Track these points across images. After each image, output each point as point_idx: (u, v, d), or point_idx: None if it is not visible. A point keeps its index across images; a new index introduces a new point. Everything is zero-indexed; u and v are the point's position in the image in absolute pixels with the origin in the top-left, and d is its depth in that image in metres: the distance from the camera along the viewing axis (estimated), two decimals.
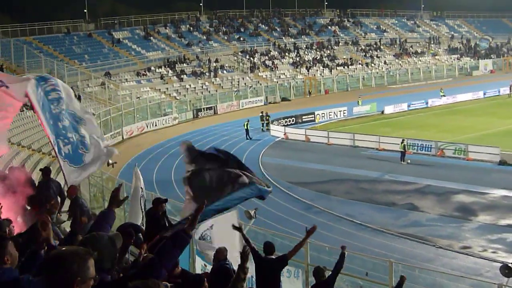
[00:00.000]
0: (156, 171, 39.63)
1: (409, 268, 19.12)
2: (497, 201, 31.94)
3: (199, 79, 74.89)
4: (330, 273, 12.13)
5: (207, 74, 76.67)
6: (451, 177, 36.84)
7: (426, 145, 43.57)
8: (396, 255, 22.18)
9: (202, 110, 65.78)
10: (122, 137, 51.75)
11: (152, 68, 73.58)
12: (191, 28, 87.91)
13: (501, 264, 18.94)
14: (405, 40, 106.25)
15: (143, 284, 4.11)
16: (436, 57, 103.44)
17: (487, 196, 32.78)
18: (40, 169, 18.73)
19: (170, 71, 74.14)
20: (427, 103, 66.38)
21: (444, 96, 69.26)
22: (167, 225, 14.84)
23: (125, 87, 66.05)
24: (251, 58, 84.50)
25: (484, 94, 72.41)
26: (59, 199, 15.54)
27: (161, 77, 72.21)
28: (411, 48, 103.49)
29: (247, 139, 50.68)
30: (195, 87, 72.47)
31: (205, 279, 8.73)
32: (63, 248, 4.53)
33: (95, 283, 4.69)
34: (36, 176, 20.38)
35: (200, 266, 16.93)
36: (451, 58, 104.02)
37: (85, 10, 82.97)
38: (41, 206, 14.33)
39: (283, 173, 39.08)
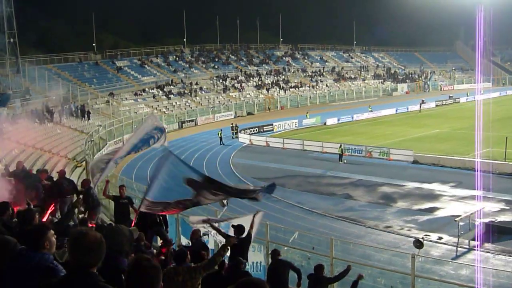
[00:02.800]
0: (150, 169, 39.37)
1: (345, 243, 19.30)
2: (411, 191, 32.32)
3: (183, 97, 74.52)
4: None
5: (189, 94, 76.40)
6: (377, 173, 37.16)
7: (358, 148, 43.80)
8: (336, 233, 22.42)
9: (186, 122, 65.50)
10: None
11: (146, 89, 73.05)
12: (177, 58, 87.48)
13: (413, 239, 19.31)
14: (342, 68, 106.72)
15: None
16: (365, 81, 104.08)
17: (404, 187, 33.15)
18: (57, 172, 18.72)
19: (160, 92, 73.64)
20: (354, 117, 66.80)
21: (371, 111, 69.79)
22: (158, 220, 14.80)
23: (125, 104, 65.63)
24: (224, 82, 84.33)
25: (399, 109, 73.12)
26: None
27: (153, 96, 71.76)
28: (346, 74, 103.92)
29: (220, 144, 50.52)
30: (180, 104, 72.13)
31: (188, 252, 8.82)
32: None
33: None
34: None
35: (185, 243, 16.94)
36: (376, 82, 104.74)
37: (93, 44, 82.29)
38: (55, 198, 14.28)
39: (249, 170, 39.11)
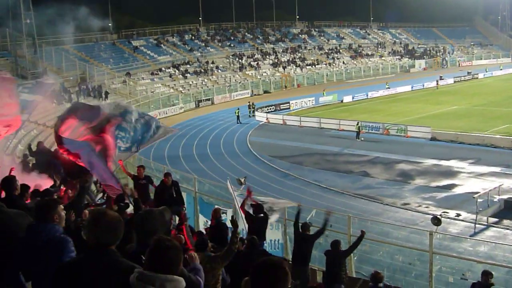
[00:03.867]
0: (167, 149, 39.63)
1: (363, 220, 19.34)
2: (429, 168, 32.16)
3: (199, 77, 74.54)
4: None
5: (205, 73, 76.39)
6: (394, 150, 37.02)
7: (375, 126, 43.65)
8: (353, 211, 22.39)
9: (202, 101, 65.60)
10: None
11: (163, 69, 73.14)
12: (193, 37, 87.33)
13: (431, 216, 19.26)
14: (359, 45, 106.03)
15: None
16: (382, 58, 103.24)
17: (422, 164, 33.00)
18: None
19: (177, 71, 73.72)
20: (370, 94, 66.47)
21: (389, 88, 69.35)
22: (174, 195, 14.93)
23: (142, 84, 65.82)
24: (240, 60, 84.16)
25: (417, 86, 72.54)
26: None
27: (170, 76, 71.87)
28: (363, 51, 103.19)
29: (237, 123, 50.62)
30: (196, 83, 72.17)
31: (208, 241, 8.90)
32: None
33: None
34: None
35: (203, 222, 17.10)
36: (394, 58, 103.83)
37: (109, 24, 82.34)
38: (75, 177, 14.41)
39: (265, 149, 39.16)
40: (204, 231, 12.80)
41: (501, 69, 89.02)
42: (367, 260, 15.39)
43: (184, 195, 16.58)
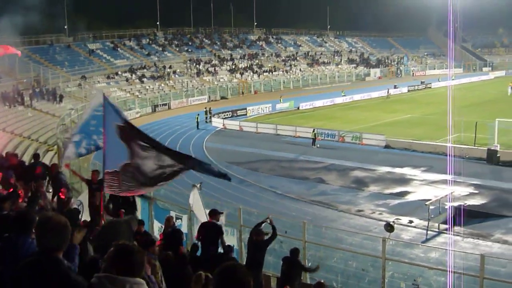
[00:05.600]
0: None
1: (317, 227, 19.46)
2: (383, 175, 32.60)
3: (156, 81, 74.00)
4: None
5: (162, 77, 75.90)
6: (349, 157, 37.38)
7: (331, 133, 44.04)
8: (308, 217, 22.54)
9: (159, 106, 65.12)
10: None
11: (119, 72, 72.35)
12: (150, 42, 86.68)
13: (384, 223, 19.53)
14: (315, 53, 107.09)
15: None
16: (339, 66, 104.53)
17: (376, 171, 33.42)
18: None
19: (133, 75, 73.03)
20: (331, 101, 67.19)
21: (344, 96, 70.20)
22: (130, 200, 14.80)
23: (98, 88, 64.89)
24: (197, 66, 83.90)
25: (372, 94, 73.60)
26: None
27: (126, 80, 71.12)
28: (320, 59, 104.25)
29: (197, 128, 50.35)
30: (153, 88, 71.61)
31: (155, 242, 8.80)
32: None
33: None
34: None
35: (158, 228, 16.92)
36: (350, 67, 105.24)
37: (65, 26, 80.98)
38: (28, 181, 14.09)
39: (222, 155, 39.06)
40: (158, 236, 12.69)
41: (453, 79, 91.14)
42: (321, 266, 15.43)
43: (138, 200, 16.41)
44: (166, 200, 19.32)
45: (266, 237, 12.15)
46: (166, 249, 9.83)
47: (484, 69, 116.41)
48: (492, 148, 35.20)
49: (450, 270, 13.83)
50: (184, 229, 15.22)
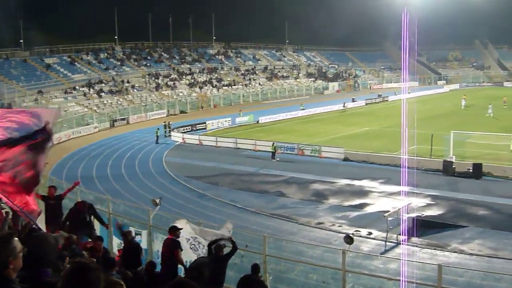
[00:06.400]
0: (81, 169, 38.60)
1: (278, 240, 19.49)
2: (342, 188, 32.84)
3: (114, 96, 73.36)
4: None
5: (121, 92, 75.29)
6: (309, 170, 37.59)
7: (290, 146, 44.27)
8: (269, 231, 22.54)
9: (117, 121, 64.49)
10: (52, 143, 49.90)
11: (77, 87, 71.51)
12: (108, 56, 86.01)
13: (344, 235, 19.68)
14: (274, 67, 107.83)
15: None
16: (297, 80, 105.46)
17: (335, 184, 33.67)
18: None
19: (91, 90, 72.27)
20: (291, 114, 67.59)
21: (303, 109, 70.74)
22: (88, 219, 14.67)
23: (55, 103, 63.99)
24: (156, 80, 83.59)
25: (331, 108, 74.31)
26: None
27: (84, 95, 70.33)
28: (279, 73, 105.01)
29: (156, 143, 50.00)
30: (111, 103, 70.95)
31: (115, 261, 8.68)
32: None
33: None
34: None
35: (117, 244, 16.71)
36: (308, 80, 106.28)
37: (21, 40, 79.76)
38: None
39: (181, 169, 38.84)
40: (117, 252, 12.54)
41: (409, 93, 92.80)
42: (282, 279, 15.48)
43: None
44: (125, 216, 19.14)
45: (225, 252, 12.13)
46: (125, 265, 9.73)
47: (439, 82, 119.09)
48: (448, 160, 35.94)
49: (405, 280, 14.02)
50: (143, 245, 15.09)
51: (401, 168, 34.43)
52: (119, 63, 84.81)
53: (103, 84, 75.29)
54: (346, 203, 29.38)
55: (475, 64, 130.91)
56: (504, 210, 27.55)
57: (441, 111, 69.24)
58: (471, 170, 34.37)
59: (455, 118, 60.55)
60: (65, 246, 9.31)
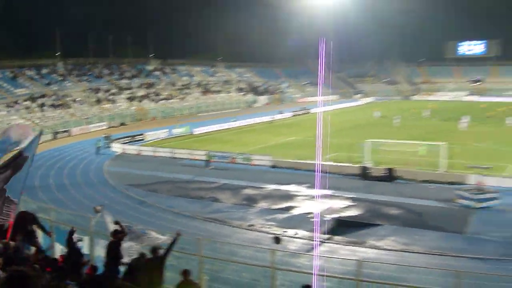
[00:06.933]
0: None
1: (213, 242, 19.39)
2: (271, 192, 33.01)
3: (57, 109, 71.25)
4: (163, 250, 11.97)
5: (63, 106, 73.19)
6: (240, 177, 37.68)
7: (223, 155, 44.19)
8: (204, 234, 22.46)
9: (59, 133, 62.66)
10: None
11: (19, 101, 69.06)
12: (50, 72, 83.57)
13: (273, 236, 19.83)
14: (208, 82, 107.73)
15: None
16: (229, 94, 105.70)
17: (264, 189, 33.82)
18: None
19: (34, 104, 69.90)
20: (219, 126, 67.56)
21: (235, 121, 70.94)
22: (29, 228, 14.13)
23: None
24: (97, 94, 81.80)
25: (260, 119, 74.88)
26: None
27: (27, 108, 67.98)
28: (212, 88, 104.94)
29: (97, 154, 48.82)
30: (54, 116, 68.86)
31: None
32: None
33: None
34: None
35: (60, 250, 16.21)
36: (239, 94, 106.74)
37: None
38: None
39: (121, 178, 38.10)
40: (59, 258, 12.14)
41: (330, 105, 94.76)
42: (217, 278, 15.44)
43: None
44: (67, 224, 18.58)
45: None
46: (66, 270, 9.45)
47: (356, 96, 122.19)
48: (365, 165, 36.88)
49: (329, 275, 14.26)
50: (85, 250, 14.70)
51: (325, 173, 35.11)
52: (61, 79, 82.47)
53: (45, 98, 73.00)
54: (275, 207, 29.57)
55: (387, 80, 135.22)
56: (414, 209, 28.50)
57: (359, 122, 71.03)
58: (385, 174, 35.39)
59: (370, 128, 62.24)
60: (4, 253, 9.00)
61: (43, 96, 73.47)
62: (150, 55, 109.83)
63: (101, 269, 11.57)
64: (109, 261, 11.30)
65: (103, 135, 54.49)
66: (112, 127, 70.22)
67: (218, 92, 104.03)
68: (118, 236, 12.02)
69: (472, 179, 32.56)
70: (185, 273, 11.20)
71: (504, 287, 15.96)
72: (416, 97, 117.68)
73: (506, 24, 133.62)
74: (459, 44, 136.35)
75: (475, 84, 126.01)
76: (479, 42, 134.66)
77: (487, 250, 21.91)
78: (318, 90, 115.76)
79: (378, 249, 22.38)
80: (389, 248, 22.48)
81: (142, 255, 11.48)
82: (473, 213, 27.38)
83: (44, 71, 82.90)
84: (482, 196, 28.50)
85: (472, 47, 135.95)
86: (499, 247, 22.35)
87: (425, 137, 48.06)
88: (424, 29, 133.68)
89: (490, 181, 32.04)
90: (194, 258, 14.97)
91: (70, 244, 12.37)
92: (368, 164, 37.36)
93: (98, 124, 69.83)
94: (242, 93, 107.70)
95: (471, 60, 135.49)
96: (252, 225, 26.10)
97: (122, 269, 11.79)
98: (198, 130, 63.31)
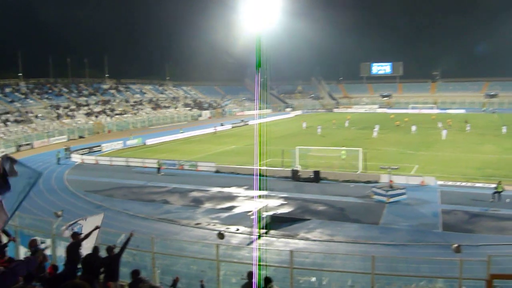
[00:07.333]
0: None
1: (164, 240, 19.10)
2: (215, 194, 32.95)
3: (20, 125, 68.30)
4: (119, 249, 11.67)
5: (26, 121, 70.26)
6: (188, 181, 37.37)
7: (172, 163, 43.73)
8: (156, 232, 22.11)
9: (22, 146, 60.13)
10: None
11: None
12: (13, 90, 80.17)
13: (217, 232, 19.74)
14: (158, 99, 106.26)
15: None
16: (177, 109, 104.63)
17: (209, 192, 33.72)
18: None
19: None
20: (168, 137, 66.86)
21: (182, 132, 70.32)
22: None
23: None
24: (57, 110, 79.01)
25: (204, 131, 74.60)
26: None
27: None
28: (162, 104, 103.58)
29: (57, 164, 47.15)
30: (17, 130, 65.95)
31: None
32: None
33: None
34: None
35: (23, 252, 15.51)
36: (185, 109, 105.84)
37: None
38: None
39: (81, 185, 36.95)
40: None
41: (265, 117, 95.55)
42: (168, 271, 15.16)
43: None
44: (31, 228, 17.83)
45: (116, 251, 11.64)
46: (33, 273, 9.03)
47: (287, 109, 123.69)
48: (295, 169, 37.33)
49: (267, 264, 14.32)
50: (48, 252, 14.12)
51: (261, 177, 35.33)
52: (23, 97, 79.23)
53: (9, 115, 69.88)
54: (218, 206, 29.51)
55: (312, 95, 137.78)
56: (337, 205, 29.08)
57: (289, 131, 71.92)
58: (312, 176, 35.94)
59: (299, 136, 63.15)
60: None
61: (6, 113, 70.32)
62: (106, 75, 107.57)
63: (61, 267, 11.17)
64: (68, 261, 10.90)
65: (63, 147, 52.72)
66: (72, 140, 68.08)
67: (167, 107, 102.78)
68: (77, 238, 11.63)
69: (385, 178, 33.56)
70: (134, 273, 10.90)
71: (411, 267, 16.51)
72: (337, 110, 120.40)
73: (406, 49, 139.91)
74: (372, 65, 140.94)
75: (385, 98, 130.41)
76: (387, 63, 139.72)
77: (398, 237, 22.62)
78: (255, 104, 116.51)
79: (308, 240, 22.69)
80: (316, 239, 22.82)
81: (95, 250, 11.10)
82: (385, 207, 28.23)
83: (7, 90, 79.49)
84: (392, 192, 29.42)
85: (382, 68, 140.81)
86: (406, 234, 23.13)
87: (345, 144, 49.23)
88: (343, 52, 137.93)
89: (399, 180, 33.14)
90: (147, 254, 14.71)
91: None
92: (298, 167, 37.85)
93: (58, 138, 67.45)
94: (188, 108, 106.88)
95: (381, 79, 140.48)
96: (199, 223, 25.92)
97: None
98: (150, 141, 62.29)
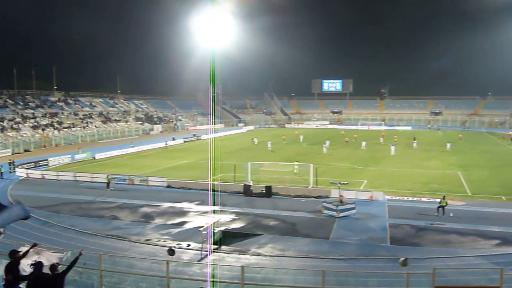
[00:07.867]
0: None
1: (113, 256, 18.64)
2: (166, 209, 32.45)
3: None
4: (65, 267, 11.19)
5: None
6: (138, 197, 36.63)
7: (122, 177, 42.84)
8: (105, 249, 21.51)
9: None
10: None
11: None
12: None
13: (167, 248, 19.41)
14: (108, 112, 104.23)
15: None
16: (128, 123, 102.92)
17: (160, 207, 33.18)
18: None
19: None
20: (122, 151, 65.60)
21: (133, 147, 69.15)
22: None
23: None
24: (1, 123, 76.00)
25: (155, 145, 73.71)
26: None
27: None
28: (112, 117, 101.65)
29: (1, 178, 45.18)
30: None
31: None
32: None
33: None
34: None
35: None
36: (137, 123, 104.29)
37: None
38: None
39: (26, 200, 35.20)
40: None
41: (217, 132, 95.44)
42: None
43: None
44: None
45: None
46: None
47: (239, 124, 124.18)
48: (247, 184, 37.35)
49: (217, 280, 14.20)
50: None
51: (213, 192, 35.15)
52: None
53: None
54: (169, 222, 29.05)
55: (265, 111, 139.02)
56: (288, 220, 29.26)
57: (241, 146, 72.08)
58: (264, 191, 36.05)
59: (251, 151, 63.37)
60: None
61: None
62: (54, 87, 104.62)
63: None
64: (6, 281, 10.41)
65: (8, 161, 50.64)
66: (16, 153, 65.56)
67: (118, 121, 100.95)
68: (16, 256, 11.13)
69: (335, 193, 34.10)
70: None
71: (360, 281, 16.78)
72: (289, 125, 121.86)
73: (356, 67, 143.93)
74: (323, 81, 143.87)
75: (335, 114, 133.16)
76: (337, 80, 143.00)
77: (347, 252, 22.97)
78: (209, 119, 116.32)
79: (259, 255, 22.66)
80: (268, 254, 22.84)
81: (38, 268, 10.61)
82: (336, 221, 28.65)
83: None
84: (342, 207, 29.92)
85: (332, 84, 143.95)
86: (356, 248, 23.52)
87: (296, 159, 49.79)
88: (295, 68, 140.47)
89: (349, 194, 33.77)
90: (95, 272, 14.25)
91: None
92: (249, 182, 37.90)
93: (2, 151, 64.82)
94: (139, 122, 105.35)
95: (332, 95, 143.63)
96: (149, 240, 25.40)
97: (22, 286, 10.92)
98: (99, 155, 60.83)
